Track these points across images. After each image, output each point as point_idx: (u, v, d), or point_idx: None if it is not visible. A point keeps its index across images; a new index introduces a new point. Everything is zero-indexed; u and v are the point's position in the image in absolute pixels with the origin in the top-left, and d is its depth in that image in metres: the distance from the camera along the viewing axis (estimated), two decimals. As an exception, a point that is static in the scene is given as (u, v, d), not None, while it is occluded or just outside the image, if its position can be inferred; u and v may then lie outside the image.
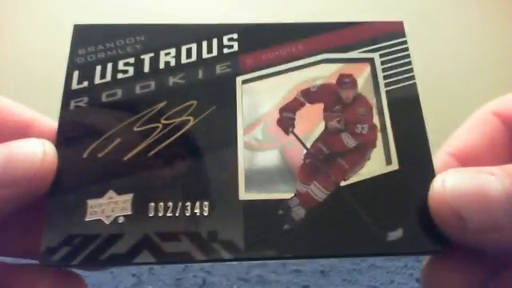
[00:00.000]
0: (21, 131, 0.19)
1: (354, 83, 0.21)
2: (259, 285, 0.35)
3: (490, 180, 0.17)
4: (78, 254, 0.17)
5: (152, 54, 0.21)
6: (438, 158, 0.20)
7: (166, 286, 0.34)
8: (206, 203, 0.19)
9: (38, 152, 0.18)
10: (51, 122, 0.20)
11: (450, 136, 0.21)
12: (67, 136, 0.19)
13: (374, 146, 0.20)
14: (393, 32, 0.22)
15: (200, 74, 0.21)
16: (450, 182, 0.18)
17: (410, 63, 0.22)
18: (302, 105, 0.21)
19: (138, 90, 0.21)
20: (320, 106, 0.21)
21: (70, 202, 0.18)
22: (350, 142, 0.20)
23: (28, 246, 0.19)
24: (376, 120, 0.21)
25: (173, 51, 0.21)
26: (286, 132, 0.20)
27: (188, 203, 0.18)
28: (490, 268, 0.19)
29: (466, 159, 0.20)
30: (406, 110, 0.21)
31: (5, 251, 0.20)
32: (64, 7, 0.41)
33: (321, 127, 0.21)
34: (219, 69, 0.21)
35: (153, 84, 0.21)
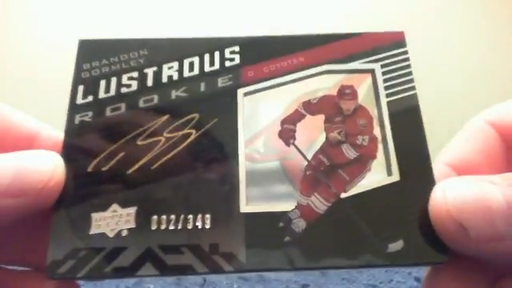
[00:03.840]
0: (26, 141, 0.20)
1: (354, 94, 0.21)
2: (259, 284, 0.35)
3: (491, 189, 0.17)
4: (82, 266, 0.18)
5: (155, 68, 0.22)
6: (436, 168, 0.20)
7: (167, 285, 0.34)
8: (207, 216, 0.19)
9: (48, 165, 0.18)
10: (56, 133, 0.20)
11: (446, 146, 0.21)
12: (72, 150, 0.20)
13: (374, 157, 0.20)
14: (394, 42, 0.22)
15: (202, 87, 0.21)
16: (450, 192, 0.18)
17: (410, 73, 0.22)
18: (303, 117, 0.21)
19: (141, 104, 0.21)
20: (321, 118, 0.21)
21: (75, 215, 0.19)
22: (350, 153, 0.20)
23: (29, 255, 0.20)
24: (377, 131, 0.21)
25: (175, 65, 0.22)
26: (287, 144, 0.21)
27: (190, 216, 0.19)
28: (490, 277, 0.19)
29: (463, 169, 0.20)
30: (407, 121, 0.21)
31: (6, 259, 0.20)
32: (69, 22, 0.42)
33: (321, 139, 0.21)
34: (221, 81, 0.21)
35: (156, 98, 0.21)
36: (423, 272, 0.20)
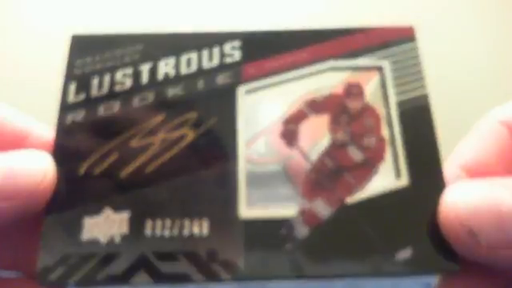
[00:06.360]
0: (18, 140, 0.19)
1: (361, 93, 0.20)
2: (258, 289, 0.34)
3: (502, 193, 0.16)
4: (74, 273, 0.17)
5: (151, 65, 0.21)
6: (447, 171, 0.19)
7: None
8: (205, 221, 0.18)
9: (40, 167, 0.18)
10: (48, 134, 0.20)
11: (457, 147, 0.20)
12: (63, 151, 0.19)
13: (382, 159, 0.19)
14: (403, 37, 0.21)
15: (200, 84, 0.20)
16: (460, 196, 0.17)
17: (421, 71, 0.21)
18: (307, 116, 0.20)
19: (135, 103, 0.20)
20: (326, 118, 0.20)
21: (66, 220, 0.18)
22: (356, 155, 0.19)
23: (20, 261, 0.19)
24: (385, 132, 0.20)
25: (172, 61, 0.21)
26: (290, 145, 0.20)
27: (186, 221, 0.18)
28: (502, 283, 0.18)
29: (476, 171, 0.19)
30: (417, 121, 0.20)
31: None
32: (62, 16, 0.41)
33: (326, 140, 0.20)
34: (220, 79, 0.21)
35: (151, 96, 0.20)
36: (432, 278, 0.20)
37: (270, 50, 0.21)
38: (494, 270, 0.18)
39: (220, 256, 0.17)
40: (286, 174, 0.19)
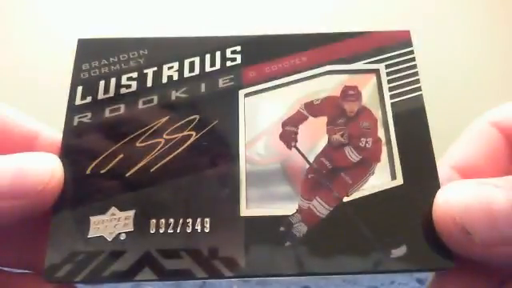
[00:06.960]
0: (26, 143, 0.20)
1: (358, 95, 0.21)
2: (259, 285, 0.35)
3: (493, 192, 0.17)
4: (80, 270, 0.18)
5: (155, 68, 0.21)
6: (440, 171, 0.19)
7: (166, 287, 0.35)
8: (207, 219, 0.19)
9: (48, 167, 0.18)
10: (56, 135, 0.20)
11: (450, 148, 0.20)
12: (71, 152, 0.20)
13: (378, 160, 0.20)
14: (399, 42, 0.22)
15: (203, 87, 0.21)
16: (453, 196, 0.17)
17: (416, 74, 0.21)
18: (306, 118, 0.21)
19: (140, 105, 0.21)
20: (323, 120, 0.21)
21: (74, 218, 0.18)
22: (353, 156, 0.20)
23: (28, 258, 0.20)
24: (381, 133, 0.20)
25: (176, 65, 0.21)
26: (289, 146, 0.20)
27: (189, 219, 0.19)
28: (496, 279, 0.19)
29: (468, 172, 0.20)
30: (412, 123, 0.20)
31: (5, 261, 0.20)
32: (69, 21, 0.42)
33: (324, 141, 0.20)
34: (222, 82, 0.21)
35: (155, 99, 0.21)
36: (426, 274, 0.20)
37: (270, 54, 0.22)
38: (489, 267, 0.18)
39: (221, 253, 0.18)
40: (285, 174, 0.20)
